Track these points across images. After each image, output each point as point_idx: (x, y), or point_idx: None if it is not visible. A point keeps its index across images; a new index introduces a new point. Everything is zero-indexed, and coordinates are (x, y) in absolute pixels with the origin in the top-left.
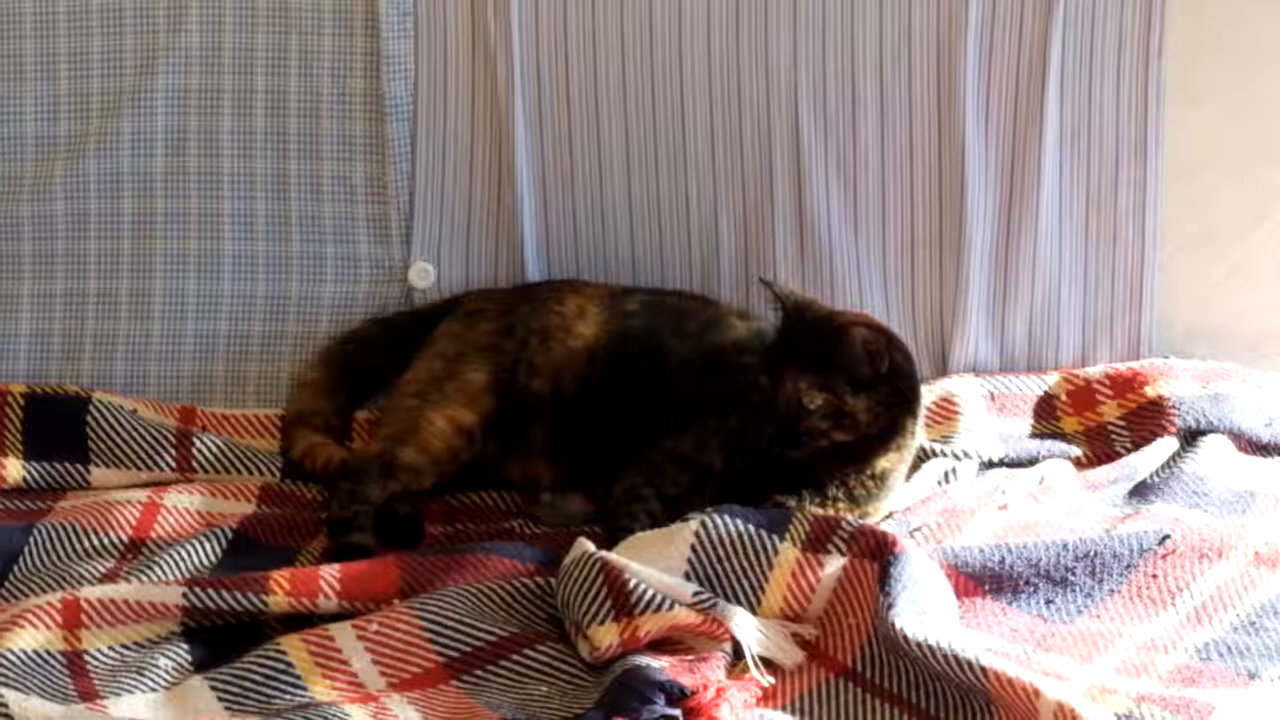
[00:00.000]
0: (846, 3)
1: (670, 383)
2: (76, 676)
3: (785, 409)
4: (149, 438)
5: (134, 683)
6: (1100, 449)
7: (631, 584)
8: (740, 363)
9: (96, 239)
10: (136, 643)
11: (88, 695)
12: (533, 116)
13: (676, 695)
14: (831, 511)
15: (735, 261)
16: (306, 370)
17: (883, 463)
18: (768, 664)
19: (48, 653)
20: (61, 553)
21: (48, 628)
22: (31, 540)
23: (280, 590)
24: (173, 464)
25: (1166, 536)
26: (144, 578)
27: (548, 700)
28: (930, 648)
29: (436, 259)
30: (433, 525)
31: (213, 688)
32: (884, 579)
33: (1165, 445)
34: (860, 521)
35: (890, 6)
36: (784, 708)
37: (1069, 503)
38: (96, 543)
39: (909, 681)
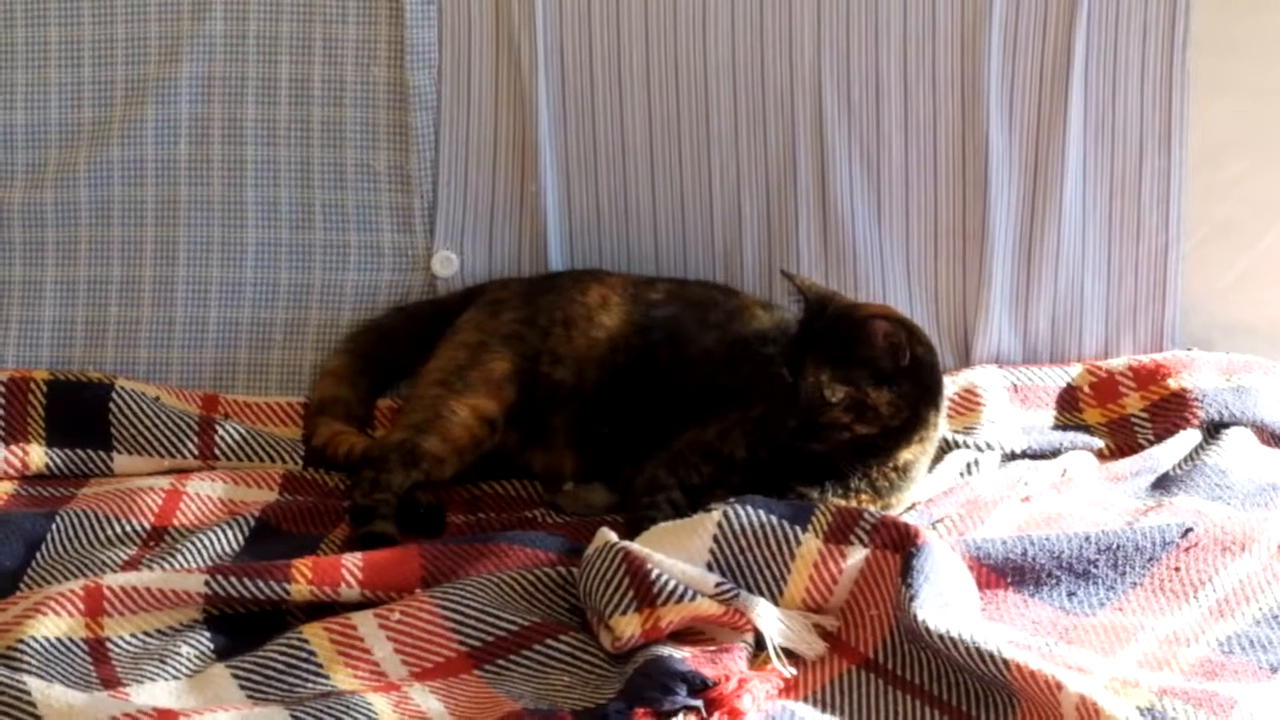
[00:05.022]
0: None
1: (693, 373)
2: (99, 664)
3: (807, 402)
4: (172, 425)
5: (156, 670)
6: (1123, 441)
7: (654, 574)
8: (763, 353)
9: (120, 226)
10: (159, 630)
11: (110, 683)
12: (556, 106)
13: (698, 686)
14: (854, 503)
15: (758, 251)
16: (329, 358)
17: (905, 454)
18: (790, 655)
19: (70, 640)
20: (84, 540)
21: (70, 615)
22: (54, 527)
23: (302, 579)
24: (195, 451)
25: (1189, 529)
26: (166, 565)
27: (569, 690)
28: (952, 640)
29: (460, 248)
30: (455, 515)
31: (235, 676)
32: (906, 571)
33: (1188, 438)
34: (883, 513)
35: None
36: (806, 699)
37: (1091, 495)
38: (119, 530)
39: (931, 673)
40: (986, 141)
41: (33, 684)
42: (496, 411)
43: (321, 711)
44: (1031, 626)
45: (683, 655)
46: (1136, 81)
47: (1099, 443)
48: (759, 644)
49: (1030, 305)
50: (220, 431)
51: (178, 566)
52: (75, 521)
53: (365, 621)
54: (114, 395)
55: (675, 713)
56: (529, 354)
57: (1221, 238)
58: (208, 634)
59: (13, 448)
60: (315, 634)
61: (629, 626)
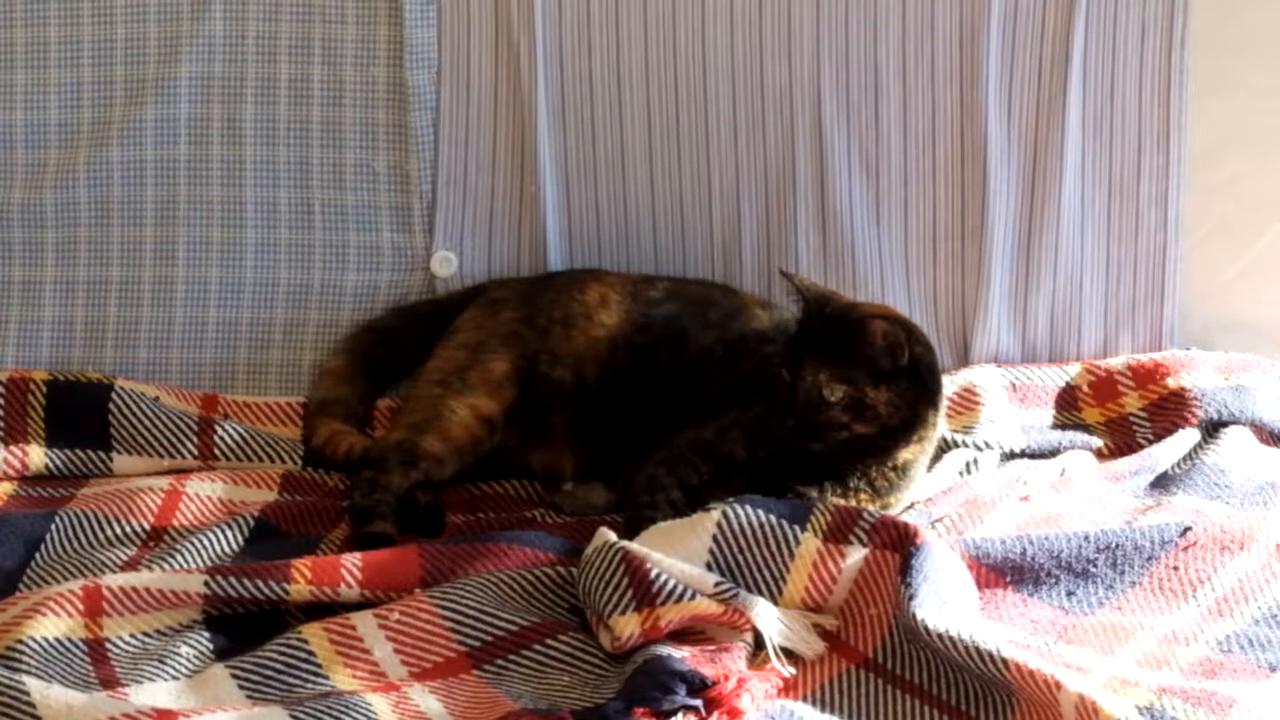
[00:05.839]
0: None
1: (692, 372)
2: (98, 664)
3: (806, 401)
4: (171, 425)
5: (155, 671)
6: (1122, 440)
7: (653, 574)
8: (762, 352)
9: (119, 226)
10: (158, 630)
11: (109, 683)
12: (555, 106)
13: (698, 685)
14: (853, 502)
15: (757, 250)
16: (329, 358)
17: (904, 454)
18: (789, 654)
19: (69, 640)
20: (83, 540)
21: (69, 615)
22: (53, 527)
23: (302, 579)
24: (195, 451)
25: (1188, 528)
26: (166, 565)
27: (569, 690)
28: (951, 639)
29: (459, 248)
30: (454, 514)
31: (234, 676)
32: (905, 570)
33: (1187, 437)
34: (882, 512)
35: None
36: (805, 698)
37: (1090, 494)
38: (118, 530)
39: (930, 673)
40: (985, 141)
41: (32, 684)
42: (496, 411)
43: (321, 712)
44: (1030, 625)
45: (682, 655)
46: (1135, 80)
47: (1098, 442)
48: (758, 643)
49: (1029, 304)
50: (220, 431)
51: (177, 567)
52: (75, 522)
53: (364, 621)
54: (113, 395)
55: (675, 712)
56: (528, 353)
57: (1220, 236)
58: (207, 634)
59: (12, 448)
60: (314, 634)
61: (628, 626)
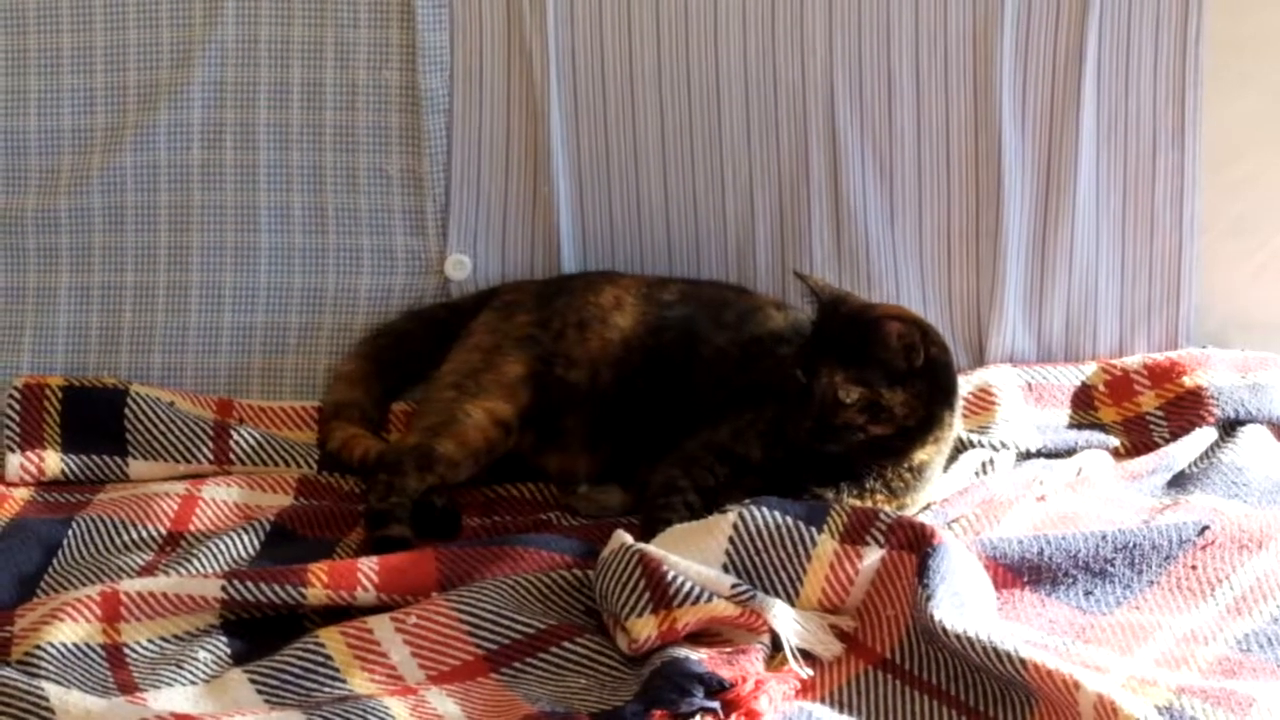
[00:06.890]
0: None
1: (707, 374)
2: (116, 669)
3: (821, 403)
4: (187, 430)
5: (173, 675)
6: (1138, 439)
7: (670, 576)
8: (777, 353)
9: (134, 232)
10: (176, 635)
11: (127, 688)
12: (568, 108)
13: (715, 687)
14: (869, 503)
15: (771, 252)
16: (343, 362)
17: (920, 455)
18: (806, 656)
19: (88, 646)
20: (100, 545)
21: (88, 621)
22: (71, 533)
23: (319, 583)
24: (210, 456)
25: (1206, 527)
26: (183, 570)
27: (586, 693)
28: (969, 639)
29: (472, 251)
30: (470, 517)
31: (252, 680)
32: (922, 571)
33: (1204, 435)
34: (898, 513)
35: None
36: (822, 699)
37: (1107, 493)
38: (135, 535)
39: (948, 673)
40: (999, 140)
41: (50, 690)
42: (511, 414)
43: (338, 716)
44: (1048, 626)
45: (699, 657)
46: (1149, 79)
47: (1114, 441)
48: (775, 645)
49: (1044, 304)
50: (235, 436)
51: (194, 571)
52: (91, 527)
53: (381, 625)
54: (129, 401)
55: (692, 714)
56: (543, 356)
57: (1236, 234)
58: (224, 639)
59: (29, 454)
60: (332, 638)
61: (645, 628)
